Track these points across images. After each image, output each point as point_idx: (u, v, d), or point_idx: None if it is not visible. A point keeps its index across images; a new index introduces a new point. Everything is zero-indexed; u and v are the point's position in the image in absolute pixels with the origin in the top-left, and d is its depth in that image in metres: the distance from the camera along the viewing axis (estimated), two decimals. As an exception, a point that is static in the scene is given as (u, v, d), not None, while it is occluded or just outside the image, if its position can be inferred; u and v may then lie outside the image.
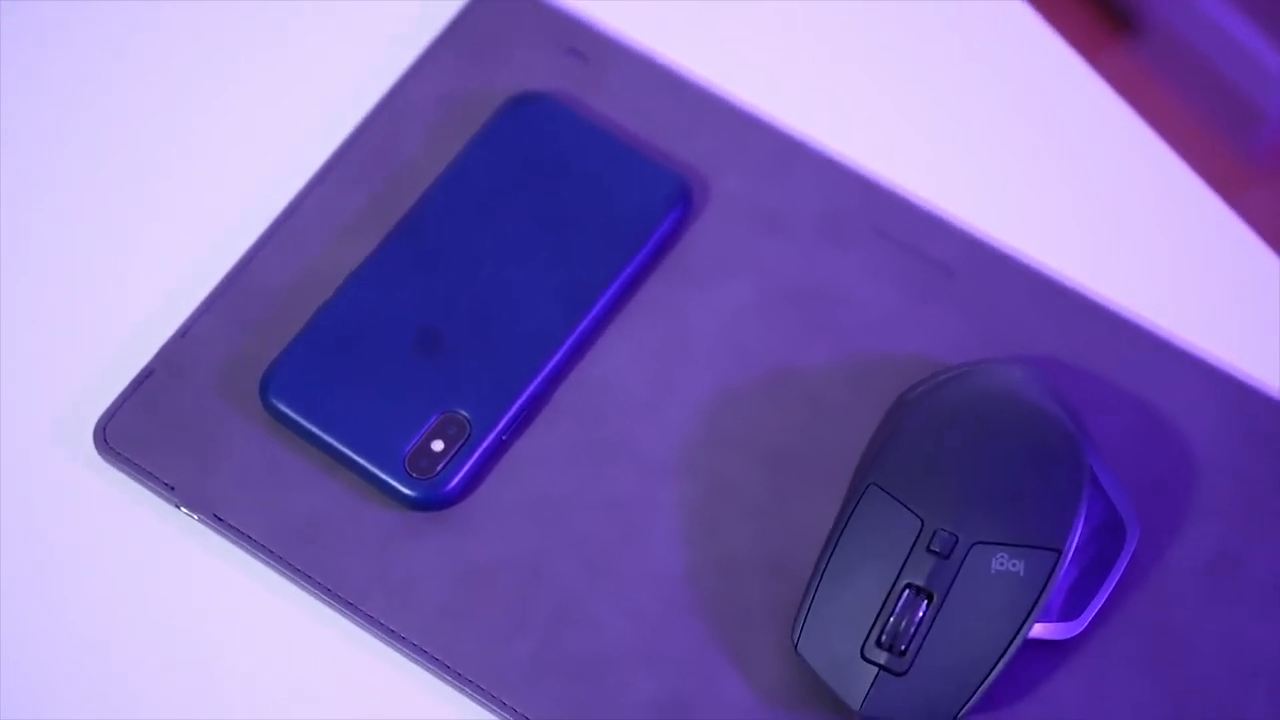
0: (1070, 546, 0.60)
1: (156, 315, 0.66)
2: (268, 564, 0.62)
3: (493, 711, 0.61)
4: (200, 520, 0.63)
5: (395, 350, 0.64)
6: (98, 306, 0.66)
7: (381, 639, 0.62)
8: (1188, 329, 0.66)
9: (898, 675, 0.59)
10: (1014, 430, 0.61)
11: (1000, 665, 0.59)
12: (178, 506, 0.63)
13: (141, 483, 0.63)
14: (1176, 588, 0.62)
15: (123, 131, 0.69)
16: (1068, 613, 0.61)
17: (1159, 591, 0.62)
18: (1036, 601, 0.59)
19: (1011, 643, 0.59)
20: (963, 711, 0.59)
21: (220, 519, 0.63)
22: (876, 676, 0.59)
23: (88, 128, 0.69)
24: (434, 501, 0.62)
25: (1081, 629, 0.61)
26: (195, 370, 0.64)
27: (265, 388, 0.63)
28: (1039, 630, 0.61)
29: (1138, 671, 0.61)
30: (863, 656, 0.59)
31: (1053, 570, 0.59)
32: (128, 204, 0.68)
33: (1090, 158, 0.69)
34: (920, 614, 0.59)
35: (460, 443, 0.62)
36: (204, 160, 0.68)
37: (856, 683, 0.59)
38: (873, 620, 0.60)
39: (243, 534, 0.62)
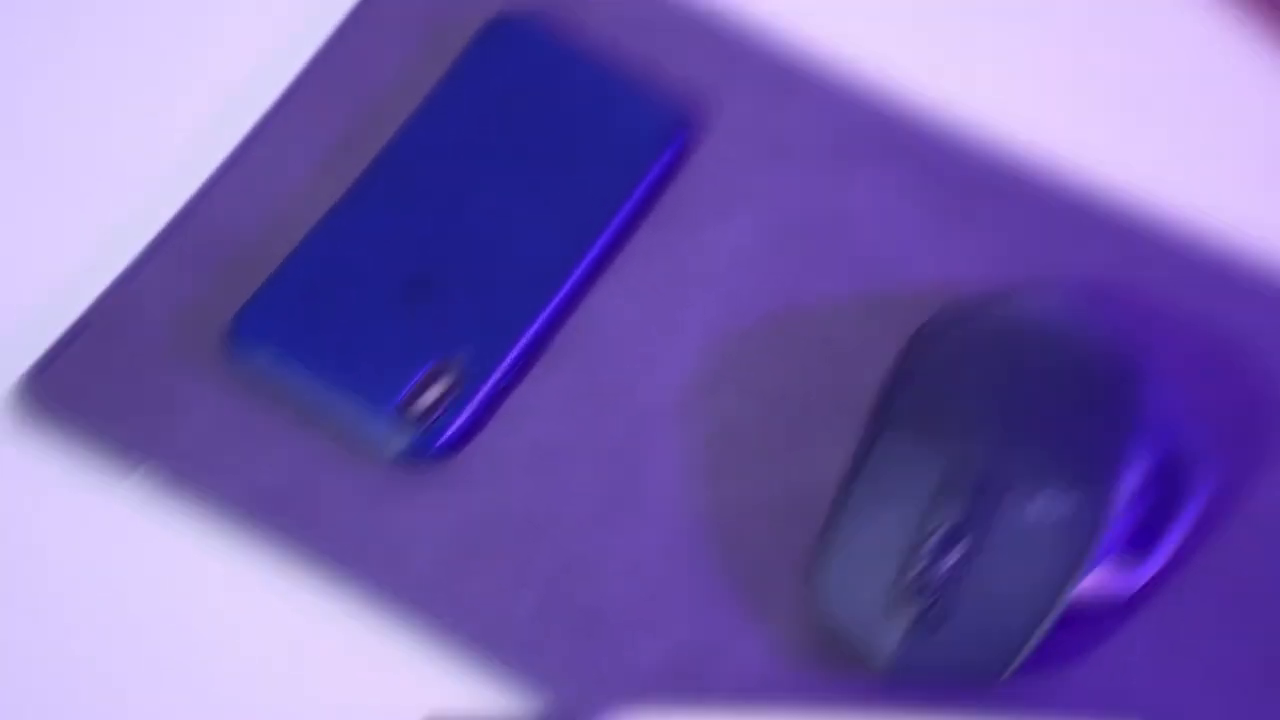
0: (1124, 485, 0.57)
1: (93, 261, 0.64)
2: (242, 531, 0.60)
3: (497, 671, 0.59)
4: (162, 488, 0.61)
5: (380, 294, 0.62)
6: (22, 250, 0.64)
7: (377, 602, 0.60)
8: (1261, 243, 0.63)
9: (930, 632, 0.56)
10: (1053, 359, 0.58)
11: (1047, 622, 0.56)
12: (131, 474, 0.61)
13: (81, 452, 0.61)
14: (1261, 533, 0.60)
15: (56, 48, 0.66)
16: (1129, 562, 0.58)
17: (1239, 537, 0.60)
18: (1087, 549, 0.56)
19: (1059, 596, 0.56)
20: (1007, 673, 0.56)
21: (187, 484, 0.61)
22: (906, 633, 0.56)
23: (10, 45, 0.66)
24: (429, 454, 0.61)
25: (1145, 581, 0.58)
26: (141, 323, 0.63)
27: (235, 336, 0.61)
28: (1093, 582, 0.57)
29: (1215, 629, 0.59)
30: (890, 610, 0.57)
31: (1105, 513, 0.56)
32: (60, 132, 0.65)
33: (1131, 45, 0.65)
34: (954, 563, 0.56)
35: (456, 391, 0.61)
36: (148, 82, 0.66)
37: (884, 639, 0.57)
38: (899, 570, 0.57)
39: (215, 499, 0.61)
